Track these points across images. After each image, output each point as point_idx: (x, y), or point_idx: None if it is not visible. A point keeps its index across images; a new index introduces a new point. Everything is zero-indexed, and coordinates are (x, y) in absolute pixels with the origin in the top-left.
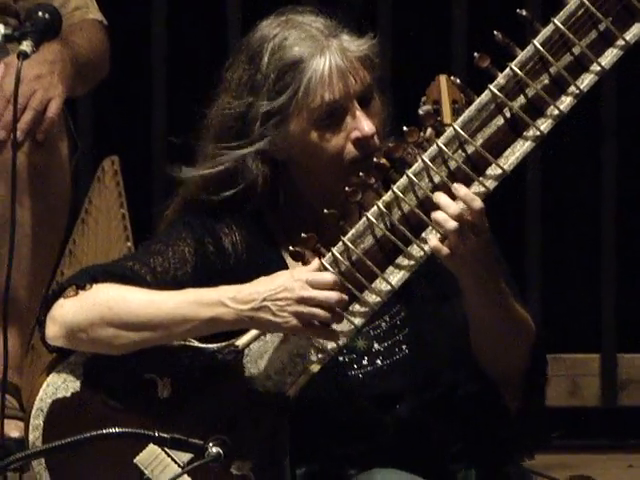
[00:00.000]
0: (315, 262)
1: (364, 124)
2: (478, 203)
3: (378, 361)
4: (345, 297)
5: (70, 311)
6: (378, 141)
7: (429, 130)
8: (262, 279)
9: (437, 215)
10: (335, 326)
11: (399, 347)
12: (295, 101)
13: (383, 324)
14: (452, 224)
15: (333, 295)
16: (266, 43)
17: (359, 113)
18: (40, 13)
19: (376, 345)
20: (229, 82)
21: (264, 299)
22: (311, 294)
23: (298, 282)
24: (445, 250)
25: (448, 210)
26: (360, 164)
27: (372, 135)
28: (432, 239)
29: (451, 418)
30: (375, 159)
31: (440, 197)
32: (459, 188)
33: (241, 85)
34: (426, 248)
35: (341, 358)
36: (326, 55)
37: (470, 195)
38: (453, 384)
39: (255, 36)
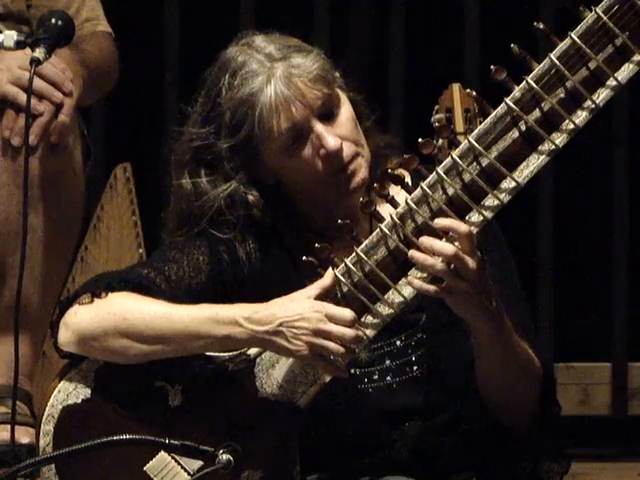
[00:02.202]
0: (329, 274)
1: (327, 140)
2: (464, 228)
3: (389, 378)
4: (361, 334)
5: (84, 318)
6: (353, 145)
7: (440, 140)
8: (279, 301)
9: (421, 259)
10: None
11: (410, 367)
12: (254, 135)
13: (398, 342)
14: (440, 266)
15: (349, 332)
16: (222, 77)
17: (320, 130)
18: (53, 20)
19: (388, 362)
20: (192, 116)
21: (281, 324)
22: (328, 328)
23: (317, 314)
24: (433, 288)
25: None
26: (340, 174)
27: (337, 149)
28: (416, 282)
29: (458, 439)
30: (390, 170)
31: (423, 241)
32: (440, 221)
33: (202, 120)
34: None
35: (352, 371)
36: (272, 84)
37: (455, 222)
38: (460, 411)
39: (213, 69)
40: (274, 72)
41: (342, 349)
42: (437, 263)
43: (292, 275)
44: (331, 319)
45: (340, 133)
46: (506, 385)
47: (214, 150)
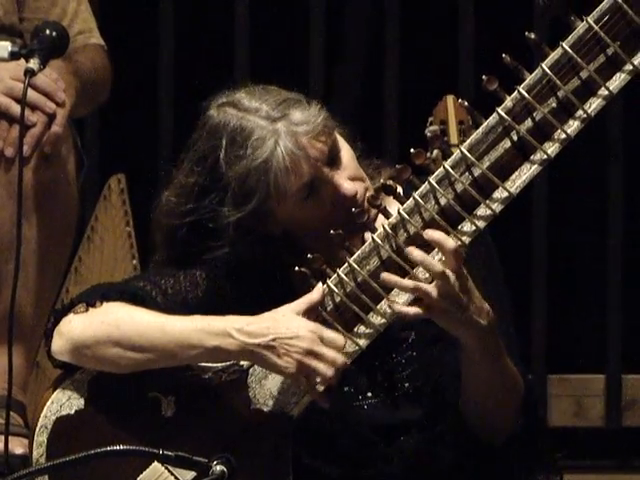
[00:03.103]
0: (317, 289)
1: (343, 188)
2: (451, 244)
3: (381, 394)
4: (348, 363)
5: (78, 327)
6: (362, 182)
7: (435, 151)
8: (269, 315)
9: (398, 284)
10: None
11: (401, 383)
12: (269, 199)
13: (389, 359)
14: (422, 288)
15: (340, 358)
16: (217, 145)
17: (335, 178)
18: (48, 31)
19: (380, 379)
20: (183, 186)
21: (274, 339)
22: (322, 351)
23: (312, 334)
24: (411, 311)
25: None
26: (355, 217)
27: (354, 193)
28: (396, 306)
29: (451, 451)
30: (382, 180)
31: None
32: (429, 233)
33: (197, 191)
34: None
35: (346, 388)
36: (280, 147)
37: (443, 236)
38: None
39: (203, 135)
40: (279, 133)
41: (331, 372)
42: (417, 286)
43: (287, 291)
44: (324, 342)
45: (349, 175)
46: (489, 402)
47: (217, 221)
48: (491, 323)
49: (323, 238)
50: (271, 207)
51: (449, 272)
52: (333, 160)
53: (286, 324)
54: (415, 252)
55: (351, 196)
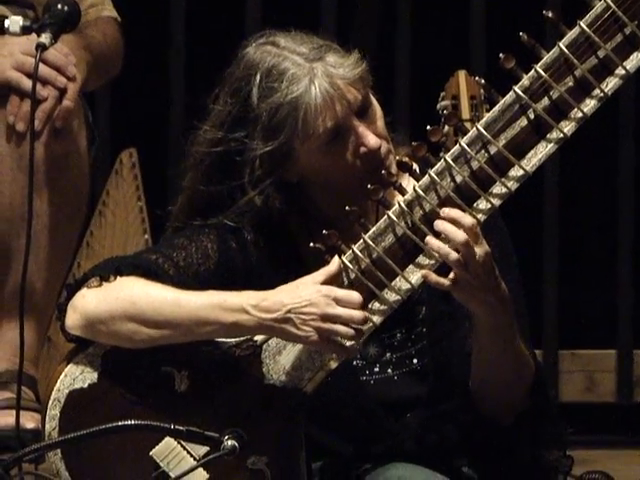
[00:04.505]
0: (335, 261)
1: (369, 139)
2: (469, 220)
3: (389, 370)
4: (369, 315)
5: (92, 302)
6: (386, 143)
7: (447, 127)
8: (286, 287)
9: (436, 247)
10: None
11: (410, 359)
12: (295, 137)
13: (399, 334)
14: (454, 256)
15: (357, 314)
16: (252, 77)
17: (361, 129)
18: (59, 5)
19: (388, 354)
20: (216, 116)
21: (289, 310)
22: (336, 312)
23: (325, 298)
24: (446, 282)
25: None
26: (374, 174)
27: (378, 147)
28: (432, 277)
29: (459, 427)
30: (398, 157)
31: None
32: (446, 211)
33: (230, 121)
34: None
35: (355, 362)
36: (315, 85)
37: (459, 213)
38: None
39: (239, 68)
40: (315, 72)
41: (351, 331)
42: (451, 252)
43: (298, 265)
44: (339, 302)
45: (376, 131)
46: (499, 381)
47: (244, 155)
48: (506, 300)
49: (337, 197)
50: (295, 146)
51: (474, 246)
52: (364, 112)
53: (298, 293)
54: (440, 223)
55: (374, 148)
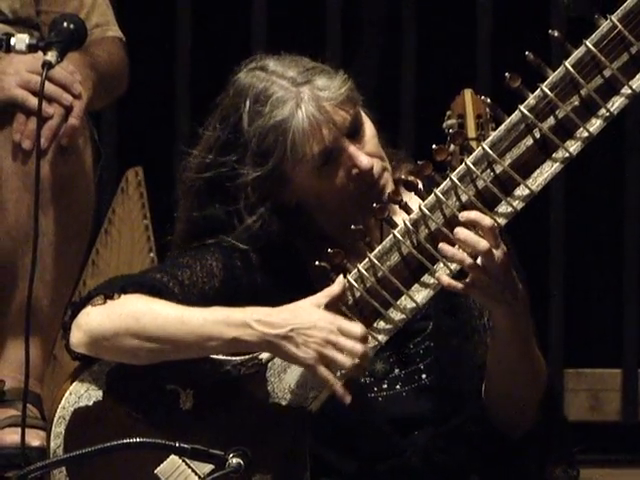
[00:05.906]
0: (338, 281)
1: (360, 159)
2: (488, 221)
3: (397, 386)
4: (368, 351)
5: (96, 319)
6: (380, 161)
7: (452, 146)
8: (290, 307)
9: (450, 253)
10: None
11: (419, 375)
12: (285, 162)
13: (406, 351)
14: (469, 261)
15: (359, 347)
16: (241, 102)
17: (352, 149)
18: (65, 24)
19: (396, 370)
20: (206, 141)
21: (292, 329)
22: (339, 340)
23: (330, 325)
24: (460, 285)
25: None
26: (369, 193)
27: (370, 167)
28: (444, 278)
29: (467, 444)
30: (403, 176)
31: (459, 232)
32: (465, 214)
33: (219, 146)
34: (452, 266)
35: (363, 380)
36: (302, 109)
37: (479, 215)
38: (467, 418)
39: (229, 94)
40: (302, 96)
41: (350, 362)
42: (467, 258)
43: (305, 284)
44: (342, 332)
45: (368, 151)
46: (513, 391)
47: (236, 180)
48: (525, 304)
49: (336, 218)
50: (287, 171)
51: (494, 249)
52: (354, 132)
53: (304, 315)
54: (461, 231)
55: (366, 169)
